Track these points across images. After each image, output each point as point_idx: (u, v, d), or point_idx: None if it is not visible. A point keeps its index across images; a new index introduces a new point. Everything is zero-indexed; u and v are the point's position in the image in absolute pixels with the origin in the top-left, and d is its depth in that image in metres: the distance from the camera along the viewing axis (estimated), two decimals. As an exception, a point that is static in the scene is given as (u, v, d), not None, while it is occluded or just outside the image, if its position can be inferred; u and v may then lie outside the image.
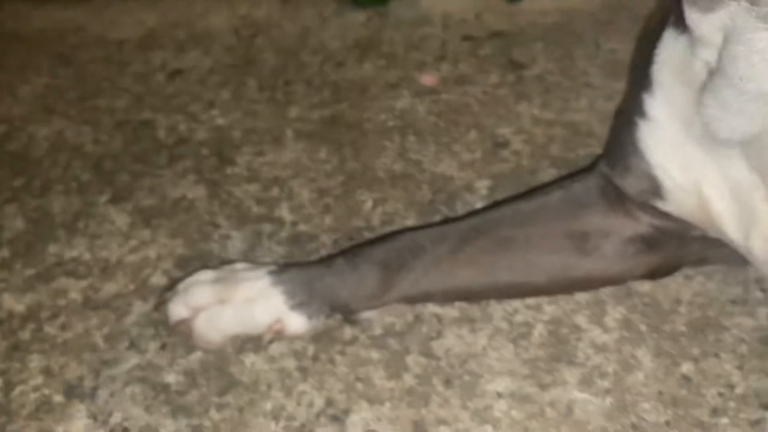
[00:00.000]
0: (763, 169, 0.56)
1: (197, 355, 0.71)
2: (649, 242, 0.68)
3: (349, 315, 0.72)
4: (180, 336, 0.72)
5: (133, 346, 0.73)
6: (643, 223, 0.67)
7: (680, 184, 0.62)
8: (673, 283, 0.72)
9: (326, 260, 0.72)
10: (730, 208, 0.60)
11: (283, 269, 0.72)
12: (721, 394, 0.63)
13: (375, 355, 0.69)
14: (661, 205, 0.65)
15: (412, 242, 0.70)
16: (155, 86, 1.11)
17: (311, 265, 0.72)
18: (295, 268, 0.72)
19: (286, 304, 0.70)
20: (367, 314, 0.72)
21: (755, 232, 0.59)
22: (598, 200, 0.68)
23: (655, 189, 0.64)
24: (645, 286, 0.72)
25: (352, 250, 0.72)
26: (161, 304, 0.74)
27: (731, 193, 0.59)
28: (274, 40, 1.18)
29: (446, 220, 0.72)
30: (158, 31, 1.25)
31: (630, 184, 0.66)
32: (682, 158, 0.60)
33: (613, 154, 0.67)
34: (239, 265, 0.75)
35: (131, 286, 0.79)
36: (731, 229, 0.60)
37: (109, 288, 0.79)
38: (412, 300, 0.71)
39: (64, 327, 0.75)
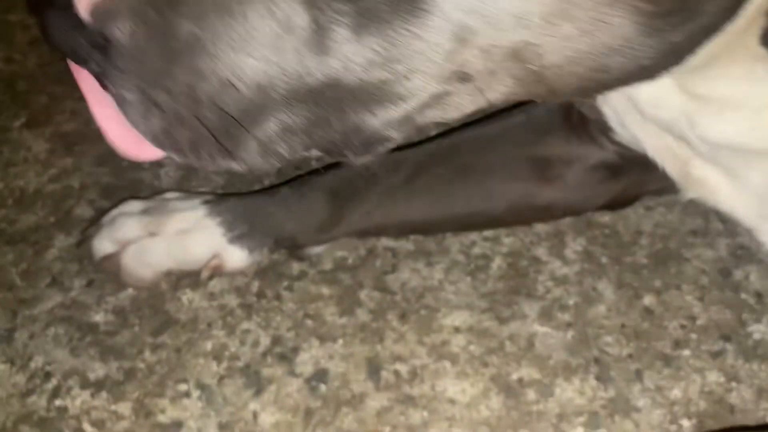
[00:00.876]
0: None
1: (128, 293, 0.65)
2: (612, 169, 0.65)
3: (295, 249, 0.66)
4: (108, 273, 0.66)
5: (55, 283, 0.66)
6: (608, 150, 0.64)
7: (622, 122, 0.57)
8: (634, 215, 0.70)
9: (269, 190, 0.66)
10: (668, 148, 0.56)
11: (220, 199, 0.66)
12: (683, 326, 0.61)
13: (325, 290, 0.64)
14: (614, 135, 0.61)
15: (364, 170, 0.64)
16: None
17: (252, 195, 0.66)
18: (234, 198, 0.66)
19: (224, 236, 0.64)
20: (315, 249, 0.67)
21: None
22: (561, 125, 0.64)
23: (605, 122, 0.60)
24: (605, 217, 0.69)
25: (299, 179, 0.66)
26: (85, 239, 0.67)
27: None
28: None
29: (401, 147, 0.67)
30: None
31: (588, 111, 0.62)
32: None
33: None
34: (171, 194, 0.68)
35: (51, 218, 0.72)
36: (668, 165, 0.57)
37: (27, 220, 0.72)
38: (363, 233, 0.66)
39: (-26, 263, 0.68)
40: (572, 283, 0.64)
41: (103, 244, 0.65)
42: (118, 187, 0.74)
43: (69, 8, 0.37)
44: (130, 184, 0.75)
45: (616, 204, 0.68)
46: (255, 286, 0.65)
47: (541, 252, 0.67)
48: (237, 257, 0.65)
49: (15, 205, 0.73)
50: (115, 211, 0.66)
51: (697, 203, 0.71)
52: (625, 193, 0.67)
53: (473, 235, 0.68)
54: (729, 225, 0.68)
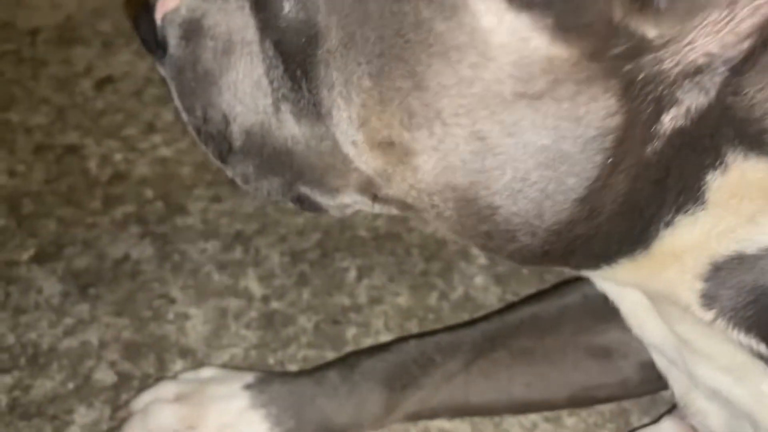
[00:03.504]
0: None
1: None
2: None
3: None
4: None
5: (78, 472, 0.60)
6: None
7: None
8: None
9: (316, 373, 0.60)
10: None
11: (262, 382, 0.60)
12: None
13: (377, 486, 0.59)
14: None
15: (420, 355, 0.59)
16: (80, 98, 0.94)
17: (297, 379, 0.60)
18: (278, 383, 0.60)
19: (270, 431, 0.59)
20: (367, 434, 0.62)
21: None
22: (616, 310, 0.60)
23: None
24: (669, 392, 0.65)
25: (348, 362, 0.60)
26: (115, 429, 0.61)
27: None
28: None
29: (455, 327, 0.62)
30: (78, 19, 1.06)
31: None
32: None
33: None
34: (206, 373, 0.62)
35: (70, 384, 0.66)
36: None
37: (42, 386, 0.66)
38: (417, 417, 0.61)
39: (-14, 446, 0.62)
40: (641, 475, 0.60)
41: (137, 436, 0.60)
42: (141, 344, 0.68)
43: (150, 9, 0.46)
44: (153, 341, 0.69)
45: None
46: (300, 478, 0.60)
47: (606, 436, 0.62)
48: None
49: (28, 365, 0.67)
50: (147, 396, 0.60)
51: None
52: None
53: (534, 416, 0.63)
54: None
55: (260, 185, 0.45)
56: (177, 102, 0.47)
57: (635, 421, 0.63)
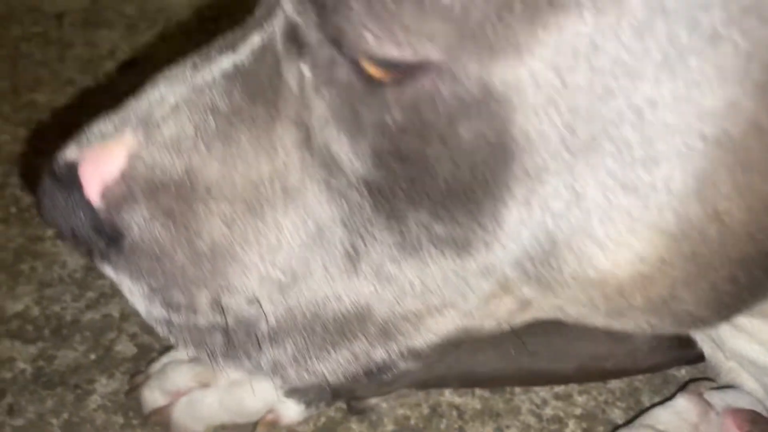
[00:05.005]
0: None
1: (177, 452, 0.61)
2: (682, 339, 0.61)
3: (354, 402, 0.62)
4: (156, 426, 0.62)
5: (99, 439, 0.62)
6: None
7: None
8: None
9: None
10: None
11: (275, 349, 0.61)
12: None
13: (389, 459, 0.60)
14: None
15: None
16: (105, 80, 0.95)
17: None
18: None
19: (279, 389, 0.60)
20: (374, 400, 0.63)
21: None
22: None
23: None
24: (682, 371, 0.65)
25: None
26: (133, 389, 0.63)
27: None
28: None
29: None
30: (103, 3, 1.08)
31: None
32: None
33: None
34: (223, 341, 0.63)
35: (92, 355, 0.68)
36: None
37: (66, 357, 0.67)
38: (424, 385, 0.62)
39: (11, 411, 0.64)
40: (651, 453, 0.60)
41: (154, 396, 0.61)
42: (161, 318, 0.70)
43: (71, 182, 0.33)
44: (173, 314, 0.70)
45: (691, 362, 0.64)
46: (313, 448, 0.61)
47: (616, 414, 0.63)
48: (293, 411, 0.61)
49: (52, 336, 0.69)
50: (164, 359, 0.62)
51: None
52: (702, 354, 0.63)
53: (544, 392, 0.64)
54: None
55: (307, 369, 0.36)
56: (141, 303, 0.35)
57: (646, 401, 0.64)
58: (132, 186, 0.33)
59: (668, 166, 0.28)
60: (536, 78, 0.28)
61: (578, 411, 0.63)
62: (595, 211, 0.29)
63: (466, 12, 0.27)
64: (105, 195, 0.33)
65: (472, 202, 0.30)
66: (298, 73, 0.32)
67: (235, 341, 0.35)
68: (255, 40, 0.34)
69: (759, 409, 0.53)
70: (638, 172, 0.28)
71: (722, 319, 0.35)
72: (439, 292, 0.33)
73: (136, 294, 0.35)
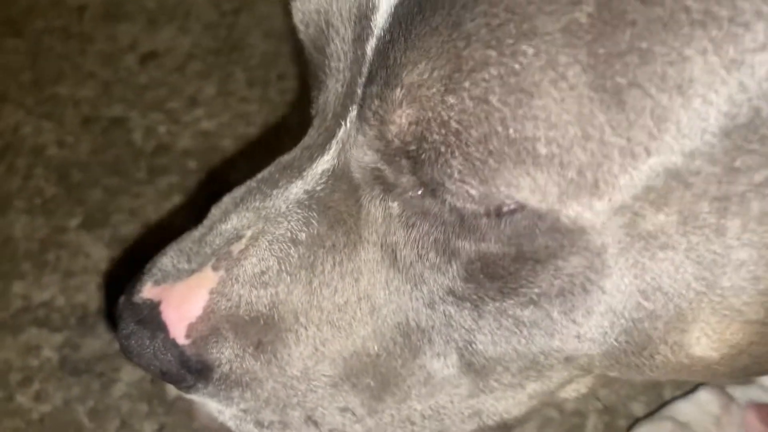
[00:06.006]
0: None
1: (202, 440, 0.62)
2: None
3: None
4: (180, 414, 0.63)
5: (124, 426, 0.63)
6: None
7: None
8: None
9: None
10: None
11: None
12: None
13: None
14: None
15: None
16: (125, 73, 0.96)
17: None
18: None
19: None
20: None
21: None
22: None
23: None
24: (703, 365, 0.66)
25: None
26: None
27: None
28: (262, 18, 1.04)
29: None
30: (123, -4, 1.09)
31: None
32: None
33: None
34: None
35: (116, 344, 0.68)
36: None
37: (91, 346, 0.68)
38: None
39: (39, 397, 0.65)
40: (672, 446, 0.61)
41: (176, 385, 0.62)
42: (184, 308, 0.71)
43: (156, 324, 0.33)
44: (197, 305, 0.71)
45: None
46: None
47: (638, 408, 0.63)
48: None
49: (78, 325, 0.70)
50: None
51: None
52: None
53: (565, 385, 0.64)
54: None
55: None
56: (232, 422, 0.36)
57: (667, 395, 0.64)
58: (217, 322, 0.33)
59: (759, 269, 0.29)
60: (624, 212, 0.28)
61: (600, 405, 0.63)
62: (690, 311, 0.30)
63: (565, 161, 0.27)
64: (190, 334, 0.33)
65: (568, 302, 0.30)
66: (384, 205, 0.32)
67: None
68: (323, 167, 0.34)
69: (782, 403, 0.54)
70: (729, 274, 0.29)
71: None
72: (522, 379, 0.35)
73: (226, 415, 0.36)
